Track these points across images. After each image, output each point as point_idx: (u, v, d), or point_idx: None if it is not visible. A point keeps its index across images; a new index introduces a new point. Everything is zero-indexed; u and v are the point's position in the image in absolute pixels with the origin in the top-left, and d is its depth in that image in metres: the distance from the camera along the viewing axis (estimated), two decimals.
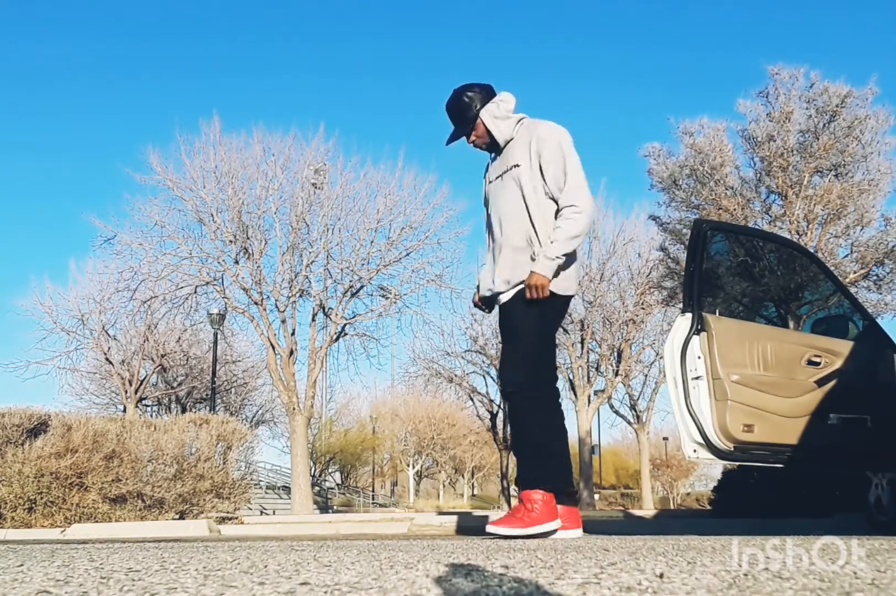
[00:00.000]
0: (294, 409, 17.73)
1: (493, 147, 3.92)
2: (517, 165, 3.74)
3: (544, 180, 3.68)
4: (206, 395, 24.99)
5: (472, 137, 3.91)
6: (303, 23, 62.20)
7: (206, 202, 18.04)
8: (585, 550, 2.26)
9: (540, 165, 3.69)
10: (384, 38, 65.12)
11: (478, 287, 4.04)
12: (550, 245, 3.58)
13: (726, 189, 13.98)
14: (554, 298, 3.64)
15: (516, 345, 3.66)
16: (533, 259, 3.63)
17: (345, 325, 18.37)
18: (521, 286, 3.65)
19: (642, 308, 25.08)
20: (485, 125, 3.83)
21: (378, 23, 64.13)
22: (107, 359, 23.20)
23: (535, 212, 3.68)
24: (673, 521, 9.21)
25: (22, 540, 4.85)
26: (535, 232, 3.67)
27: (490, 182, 3.94)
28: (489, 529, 3.47)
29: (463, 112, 3.87)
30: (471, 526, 5.48)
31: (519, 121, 3.86)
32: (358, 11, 63.57)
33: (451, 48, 65.98)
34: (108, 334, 22.83)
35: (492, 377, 29.05)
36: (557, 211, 3.67)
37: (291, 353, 17.85)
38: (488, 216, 3.96)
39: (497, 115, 3.84)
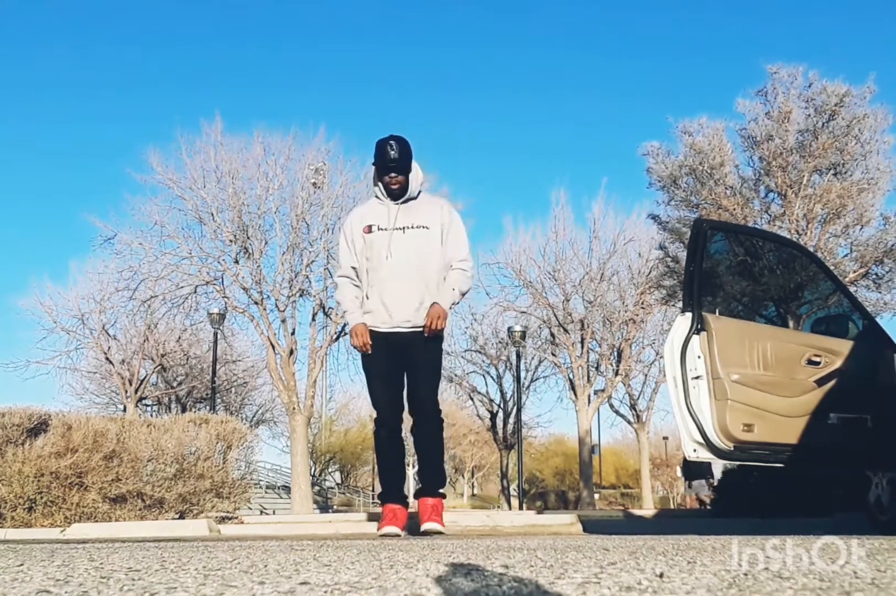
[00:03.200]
0: (294, 408, 17.73)
1: (394, 197, 4.34)
2: (426, 227, 4.31)
3: (445, 245, 4.33)
4: (206, 394, 24.99)
5: (399, 179, 4.29)
6: (304, 25, 62.19)
7: (206, 202, 18.05)
8: (585, 549, 2.26)
9: (443, 235, 4.34)
10: (384, 40, 65.13)
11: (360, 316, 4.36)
12: (453, 290, 4.30)
13: (726, 188, 13.98)
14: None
15: (436, 374, 4.42)
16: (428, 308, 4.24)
17: (345, 324, 18.37)
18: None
19: (642, 307, 25.08)
20: (408, 178, 4.33)
21: (378, 26, 64.10)
22: (107, 358, 23.20)
23: (438, 270, 4.31)
24: (673, 520, 9.21)
25: (22, 540, 4.85)
26: (433, 285, 4.30)
27: (381, 229, 4.30)
28: (433, 527, 4.17)
29: (408, 152, 4.32)
30: (471, 526, 5.48)
31: (420, 183, 4.44)
32: (358, 13, 63.54)
33: (451, 49, 65.98)
34: (108, 334, 22.84)
35: (492, 377, 29.10)
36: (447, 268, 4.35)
37: (291, 352, 17.85)
38: (376, 256, 4.30)
39: (419, 176, 4.43)
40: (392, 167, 4.26)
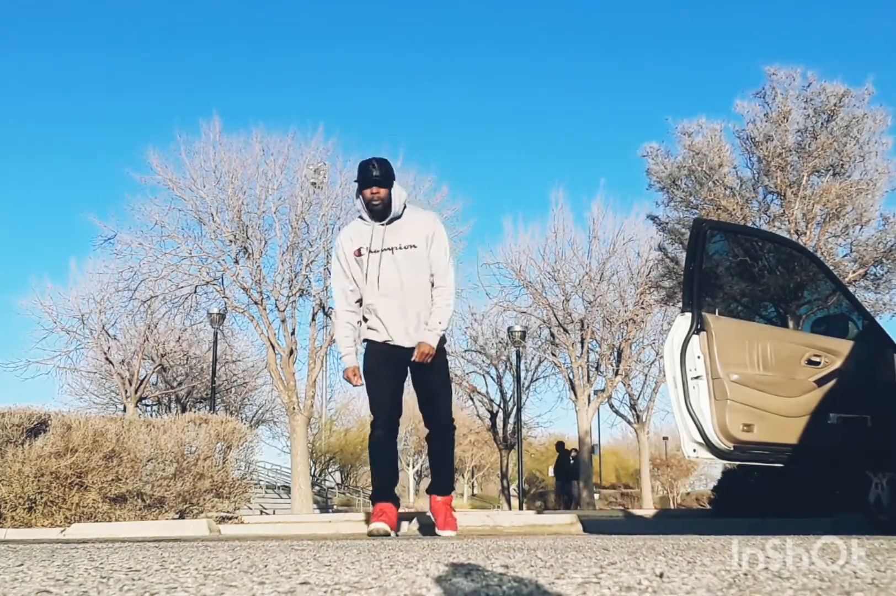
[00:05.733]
0: (294, 408, 17.73)
1: (377, 216, 4.39)
2: (414, 246, 4.39)
3: (430, 262, 4.42)
4: (206, 394, 24.98)
5: (380, 194, 4.33)
6: (303, 25, 62.18)
7: (205, 202, 18.04)
8: (585, 549, 2.26)
9: (430, 253, 4.42)
10: (384, 40, 65.10)
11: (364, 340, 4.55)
12: (438, 325, 4.40)
13: (725, 189, 13.98)
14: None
15: (448, 388, 4.64)
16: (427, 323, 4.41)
17: None
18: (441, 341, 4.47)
19: (642, 307, 25.07)
20: (390, 196, 4.38)
21: (378, 25, 64.08)
22: (107, 358, 23.18)
23: (427, 288, 4.42)
24: (673, 520, 9.21)
25: (22, 540, 4.85)
26: (428, 301, 4.44)
27: (372, 251, 4.38)
28: (447, 533, 4.40)
29: (389, 170, 4.40)
30: (471, 526, 5.48)
31: (403, 202, 4.47)
32: (358, 13, 63.49)
33: (451, 49, 65.92)
34: (108, 334, 22.81)
35: (492, 377, 29.07)
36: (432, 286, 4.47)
37: (291, 352, 17.84)
38: (367, 279, 4.40)
39: (401, 194, 4.47)
40: (373, 181, 4.32)
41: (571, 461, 21.23)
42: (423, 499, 40.97)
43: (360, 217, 4.50)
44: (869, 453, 4.47)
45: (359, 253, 4.43)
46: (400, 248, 4.39)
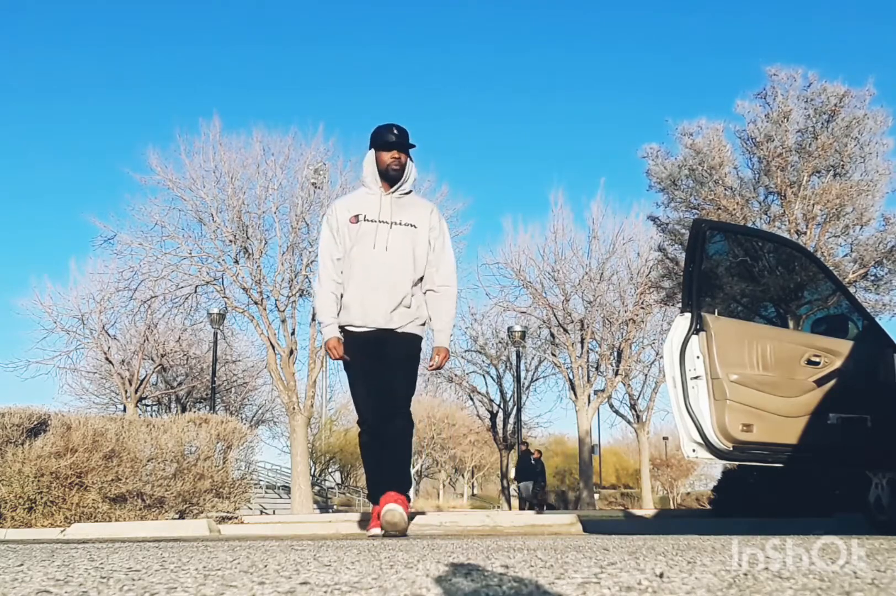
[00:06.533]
0: (294, 408, 17.73)
1: (391, 182, 4.18)
2: (414, 226, 4.16)
3: (432, 256, 4.22)
4: (206, 394, 24.99)
5: (402, 160, 4.15)
6: (304, 25, 62.20)
7: (205, 202, 18.06)
8: (585, 549, 2.26)
9: (430, 240, 4.21)
10: (384, 40, 65.13)
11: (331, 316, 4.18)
12: (450, 328, 4.27)
13: (725, 189, 13.98)
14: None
15: (408, 370, 4.22)
16: (408, 306, 4.15)
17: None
18: (422, 325, 4.23)
19: (642, 308, 25.08)
20: (408, 160, 4.19)
21: (378, 25, 64.10)
22: (107, 358, 23.18)
23: (415, 274, 4.17)
24: (673, 520, 9.22)
25: (22, 540, 4.85)
26: (414, 285, 4.18)
27: (368, 220, 4.13)
28: (391, 507, 3.92)
29: (409, 138, 4.21)
30: (471, 526, 5.49)
31: (414, 179, 4.30)
32: (358, 13, 63.54)
33: (450, 49, 65.95)
34: (108, 334, 22.83)
35: (492, 377, 29.09)
36: (421, 279, 4.22)
37: (291, 352, 17.85)
38: (361, 249, 4.13)
39: (414, 168, 4.28)
40: (397, 144, 4.10)
41: (533, 462, 21.16)
42: (422, 499, 40.98)
43: (364, 185, 4.26)
44: (869, 453, 4.47)
45: (356, 219, 4.14)
46: (400, 224, 4.14)
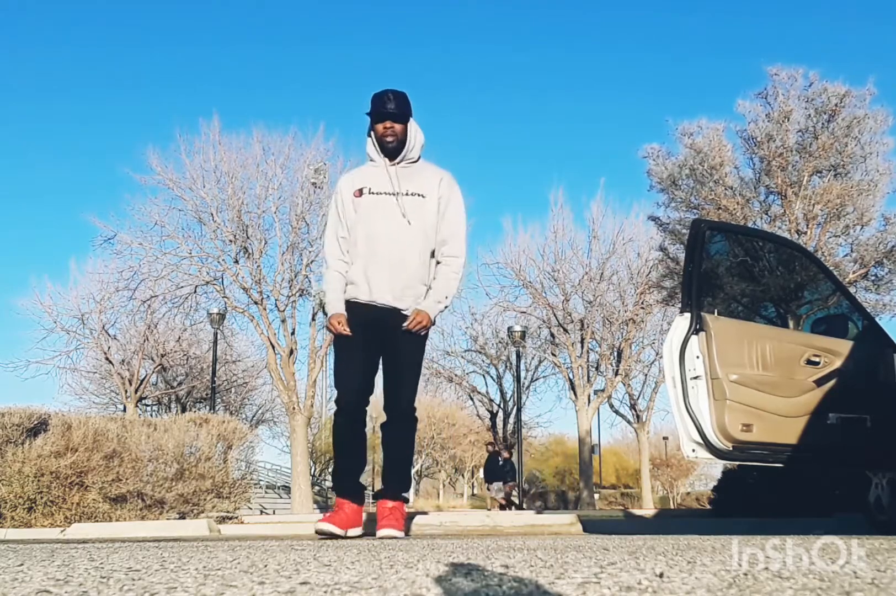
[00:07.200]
0: (294, 408, 17.73)
1: (391, 154, 3.91)
2: (422, 196, 3.87)
3: (440, 226, 3.91)
4: (206, 394, 24.99)
5: (394, 129, 3.86)
6: (304, 25, 62.19)
7: (205, 202, 18.06)
8: (585, 549, 2.26)
9: (439, 211, 3.90)
10: (383, 39, 65.12)
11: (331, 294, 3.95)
12: (445, 298, 3.88)
13: (725, 189, 13.98)
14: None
15: (416, 372, 3.94)
16: (417, 284, 3.85)
17: None
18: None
19: (642, 307, 25.08)
20: (407, 131, 3.90)
21: (377, 25, 64.09)
22: (107, 358, 23.18)
23: (425, 249, 3.88)
24: (673, 520, 9.22)
25: (22, 540, 4.86)
26: (424, 259, 3.89)
27: (373, 192, 3.89)
28: (388, 533, 3.69)
29: (406, 103, 3.91)
30: (471, 526, 5.49)
31: (421, 145, 4.00)
32: (357, 13, 63.51)
33: (450, 50, 65.93)
34: (108, 334, 22.83)
35: (492, 377, 29.09)
36: (435, 253, 3.93)
37: (291, 352, 17.85)
38: (365, 223, 3.89)
39: (419, 133, 3.97)
40: (387, 114, 3.82)
41: (501, 462, 21.13)
42: (422, 499, 40.97)
43: (370, 159, 4.01)
44: (869, 453, 4.47)
45: (360, 193, 3.90)
46: (407, 194, 3.86)
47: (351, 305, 3.87)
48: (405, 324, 3.78)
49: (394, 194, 3.86)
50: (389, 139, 3.87)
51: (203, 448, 7.03)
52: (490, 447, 22.20)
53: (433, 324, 3.88)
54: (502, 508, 19.52)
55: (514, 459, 21.38)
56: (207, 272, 18.20)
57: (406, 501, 3.97)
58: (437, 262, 3.96)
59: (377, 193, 3.88)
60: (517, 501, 21.14)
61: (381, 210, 3.84)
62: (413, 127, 3.93)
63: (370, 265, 3.82)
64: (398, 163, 3.92)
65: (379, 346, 3.88)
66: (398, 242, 3.81)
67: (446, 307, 3.96)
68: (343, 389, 3.86)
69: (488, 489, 21.95)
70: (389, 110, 3.83)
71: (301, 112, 61.04)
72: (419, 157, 4.00)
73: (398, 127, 3.87)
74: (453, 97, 65.00)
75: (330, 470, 44.77)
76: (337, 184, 4.14)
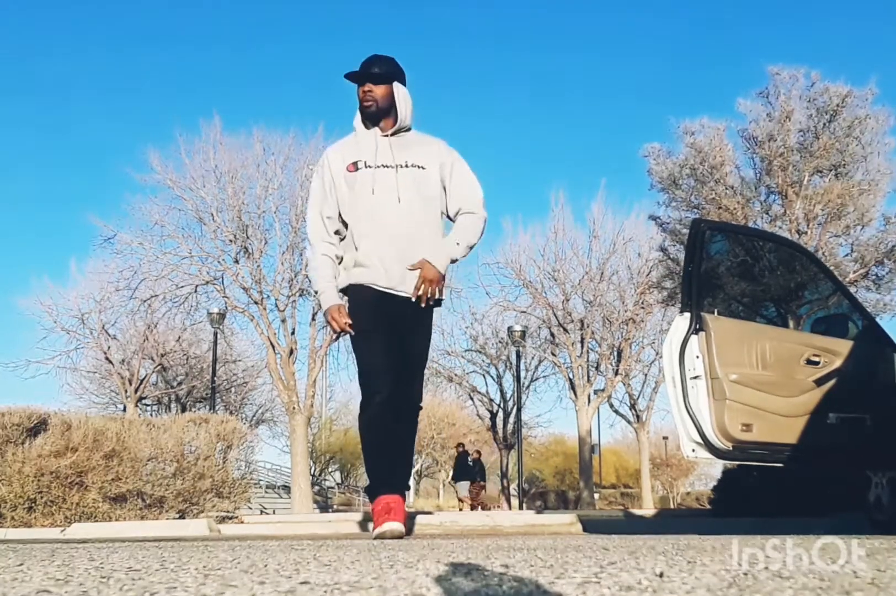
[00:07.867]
0: (294, 408, 17.74)
1: (373, 119, 3.55)
2: (423, 167, 3.54)
3: (449, 192, 3.59)
4: (206, 394, 24.99)
5: (373, 93, 3.50)
6: (303, 24, 62.23)
7: (206, 202, 18.09)
8: (585, 549, 2.26)
9: (443, 179, 3.59)
10: (383, 39, 65.14)
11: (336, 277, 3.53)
12: (456, 245, 3.50)
13: (726, 188, 13.99)
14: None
15: (425, 360, 3.70)
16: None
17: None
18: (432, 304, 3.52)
19: (642, 307, 25.10)
20: (394, 96, 3.54)
21: (377, 25, 64.13)
22: (107, 358, 23.20)
23: (435, 227, 3.59)
24: (673, 520, 9.22)
25: (22, 539, 4.85)
26: (432, 233, 3.55)
27: (371, 165, 3.51)
28: (390, 527, 3.34)
29: (391, 66, 3.58)
30: (471, 525, 5.49)
31: (411, 111, 3.65)
32: (357, 12, 63.56)
33: (450, 49, 65.98)
34: (108, 334, 22.85)
35: (492, 377, 29.08)
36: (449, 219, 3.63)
37: (291, 352, 17.86)
38: (366, 200, 3.50)
39: (408, 99, 3.61)
40: (366, 75, 3.49)
41: (471, 463, 21.10)
42: (422, 499, 40.98)
43: (364, 127, 3.63)
44: (869, 453, 4.47)
45: (354, 167, 3.52)
46: (406, 166, 3.52)
47: (362, 291, 3.48)
48: (413, 293, 3.42)
49: (392, 167, 3.51)
50: (367, 103, 3.51)
51: (203, 448, 7.03)
52: (460, 447, 22.17)
53: (443, 281, 3.49)
54: (473, 508, 19.51)
55: (515, 458, 21.37)
56: (207, 272, 18.22)
57: (403, 496, 3.60)
58: (452, 219, 3.65)
59: (376, 167, 3.51)
60: (485, 502, 21.09)
61: (381, 184, 3.48)
62: (400, 91, 3.56)
63: (381, 246, 3.44)
64: (393, 133, 3.58)
65: (396, 332, 3.50)
66: (407, 218, 3.46)
67: (463, 256, 3.58)
68: (376, 380, 3.43)
69: (455, 488, 21.94)
70: (368, 74, 3.50)
71: (301, 112, 61.08)
72: (410, 127, 3.66)
73: (379, 90, 3.51)
74: (453, 97, 65.01)
75: (330, 470, 44.67)
76: (322, 158, 3.71)
